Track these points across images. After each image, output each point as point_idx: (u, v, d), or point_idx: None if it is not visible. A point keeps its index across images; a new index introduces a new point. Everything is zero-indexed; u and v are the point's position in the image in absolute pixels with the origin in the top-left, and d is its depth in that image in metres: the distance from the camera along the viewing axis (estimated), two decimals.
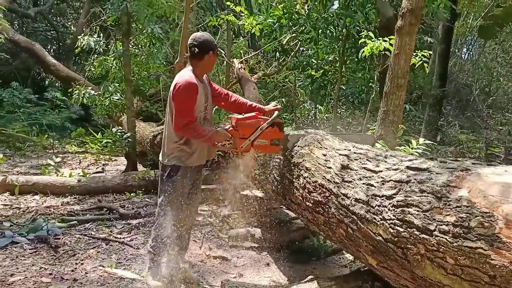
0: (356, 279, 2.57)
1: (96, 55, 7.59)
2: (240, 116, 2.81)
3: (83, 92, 7.10)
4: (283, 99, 10.08)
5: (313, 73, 8.47)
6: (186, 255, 3.43)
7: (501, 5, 13.58)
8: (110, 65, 7.50)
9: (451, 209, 1.53)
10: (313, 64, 8.76)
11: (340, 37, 7.62)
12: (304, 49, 9.34)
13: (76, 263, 3.17)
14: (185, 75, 2.67)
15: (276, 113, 2.84)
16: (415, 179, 1.78)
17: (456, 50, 21.29)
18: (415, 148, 3.85)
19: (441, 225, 1.54)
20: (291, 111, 10.28)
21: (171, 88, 2.67)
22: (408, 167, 1.90)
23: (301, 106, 10.58)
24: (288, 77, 10.52)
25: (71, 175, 6.47)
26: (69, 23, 19.76)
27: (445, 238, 1.51)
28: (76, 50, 7.38)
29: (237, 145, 2.75)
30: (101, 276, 2.93)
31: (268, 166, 3.34)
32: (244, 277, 3.25)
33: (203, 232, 4.11)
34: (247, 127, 2.74)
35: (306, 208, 2.65)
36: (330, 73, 8.86)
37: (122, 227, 4.13)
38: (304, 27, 8.01)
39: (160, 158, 2.86)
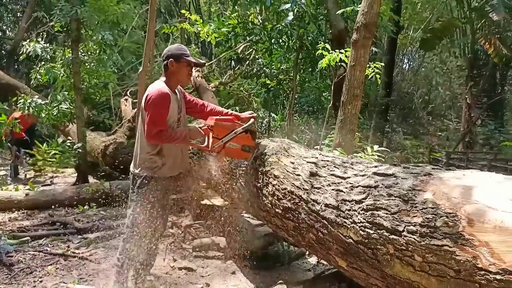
0: (323, 282, 2.68)
1: (42, 62, 7.21)
2: (218, 117, 2.82)
3: (28, 101, 6.74)
4: (237, 108, 10.17)
5: (268, 82, 8.65)
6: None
7: (440, 19, 14.73)
8: (58, 72, 7.16)
9: (417, 211, 1.66)
10: (268, 73, 8.95)
11: (294, 47, 7.86)
12: (259, 58, 9.50)
13: (35, 281, 3.00)
14: (157, 85, 2.66)
15: (251, 120, 2.89)
16: (382, 184, 1.90)
17: (399, 61, 22.69)
18: (370, 155, 4.07)
19: (409, 225, 1.66)
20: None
21: (143, 98, 2.64)
22: (375, 173, 2.02)
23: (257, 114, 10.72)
24: (243, 86, 10.64)
25: (18, 189, 6.09)
26: (6, 28, 18.63)
27: (413, 238, 1.63)
28: (21, 57, 6.96)
29: (209, 144, 2.74)
30: None
31: (235, 175, 3.37)
32: (211, 287, 3.24)
33: (165, 244, 4.04)
34: (222, 128, 2.75)
35: (275, 215, 2.71)
36: (284, 82, 9.10)
37: (80, 242, 3.96)
38: (258, 36, 8.17)
39: (131, 169, 2.80)
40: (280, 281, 2.73)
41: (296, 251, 3.84)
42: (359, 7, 4.25)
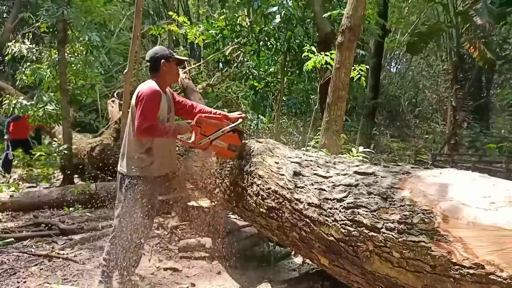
0: (308, 280, 2.70)
1: (28, 63, 7.14)
2: (206, 114, 2.85)
3: (14, 102, 6.65)
4: (225, 110, 10.17)
5: (255, 84, 8.68)
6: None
7: (426, 23, 14.96)
8: (44, 73, 7.10)
9: (395, 208, 1.70)
10: (256, 75, 8.99)
11: (281, 50, 7.91)
12: (247, 60, 9.54)
13: (18, 282, 2.97)
14: (149, 84, 2.72)
15: (240, 120, 2.93)
16: (363, 182, 1.94)
17: (386, 64, 22.96)
18: (355, 156, 4.12)
19: (387, 223, 1.70)
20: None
21: (134, 96, 2.68)
22: (356, 172, 2.06)
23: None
24: (231, 88, 10.66)
25: (2, 190, 6.01)
26: None
27: (391, 234, 1.67)
28: (7, 58, 6.88)
29: (196, 140, 2.76)
30: None
31: (220, 175, 3.39)
32: (196, 287, 3.25)
33: (151, 245, 4.03)
34: (210, 126, 2.78)
35: (259, 214, 2.73)
36: (272, 84, 9.14)
37: (65, 243, 3.93)
38: (246, 39, 8.21)
39: (119, 169, 2.80)
40: (265, 280, 2.75)
41: (282, 251, 3.87)
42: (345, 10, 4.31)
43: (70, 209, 5.40)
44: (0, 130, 11.04)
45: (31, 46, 6.93)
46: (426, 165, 9.80)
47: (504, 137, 12.60)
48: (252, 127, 10.74)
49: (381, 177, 1.89)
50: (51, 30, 7.04)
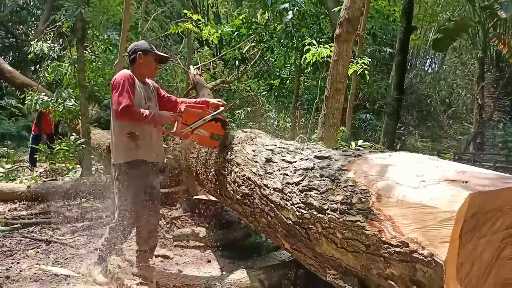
0: (283, 268, 2.72)
1: (50, 61, 7.49)
2: (188, 103, 2.92)
3: (35, 97, 7.00)
4: (249, 108, 10.23)
5: (272, 82, 8.72)
6: (127, 254, 3.49)
7: (452, 20, 14.45)
8: (65, 71, 7.42)
9: (340, 189, 1.69)
10: (272, 72, 9.02)
11: (296, 46, 7.89)
12: (263, 58, 9.58)
13: (12, 263, 3.14)
14: (122, 71, 2.82)
15: (221, 108, 2.96)
16: (318, 166, 1.94)
17: (417, 63, 22.30)
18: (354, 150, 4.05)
19: (332, 204, 1.69)
20: (257, 121, 10.41)
21: (111, 83, 2.77)
22: (315, 156, 2.06)
23: (266, 115, 10.76)
24: (250, 85, 10.71)
25: (22, 181, 6.34)
26: (30, 31, 19.31)
27: (334, 215, 1.66)
28: (29, 56, 7.25)
29: (178, 130, 2.81)
30: (35, 273, 2.92)
31: (208, 165, 3.45)
32: (184, 273, 3.31)
33: None
34: (191, 115, 2.83)
35: (236, 201, 2.76)
36: (288, 81, 9.13)
37: (67, 230, 4.11)
38: (262, 35, 8.25)
39: (112, 161, 2.89)
40: (241, 267, 2.78)
41: (274, 242, 3.87)
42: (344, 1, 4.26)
43: (82, 199, 5.62)
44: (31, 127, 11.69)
45: (52, 44, 7.25)
46: None
47: None
48: (274, 125, 10.75)
49: (335, 160, 1.89)
50: (72, 29, 7.35)
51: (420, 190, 1.36)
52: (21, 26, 18.51)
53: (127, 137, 2.80)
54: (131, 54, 2.86)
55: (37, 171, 8.33)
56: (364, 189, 1.56)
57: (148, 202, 2.92)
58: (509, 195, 1.26)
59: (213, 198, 5.00)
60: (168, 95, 3.19)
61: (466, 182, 1.27)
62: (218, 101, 3.04)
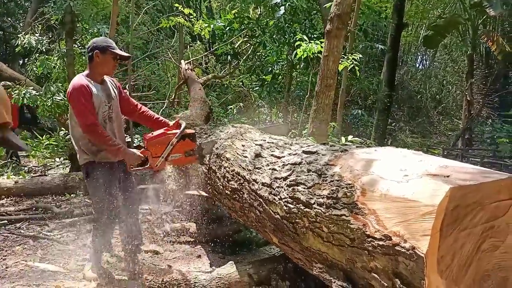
0: (272, 262, 2.74)
1: (38, 55, 7.40)
2: (149, 136, 2.77)
3: (23, 92, 6.90)
4: (241, 104, 10.22)
5: (264, 77, 8.71)
6: (116, 249, 3.47)
7: (442, 16, 14.55)
8: (54, 64, 7.34)
9: (326, 183, 1.71)
10: (264, 68, 9.01)
11: (288, 42, 7.89)
12: (255, 53, 9.56)
13: None
14: (75, 79, 2.67)
15: (183, 125, 2.80)
16: (305, 160, 1.95)
17: (409, 59, 22.43)
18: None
19: (319, 198, 1.71)
20: (249, 116, 10.39)
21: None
22: (303, 151, 2.07)
23: (258, 110, 10.75)
24: (242, 81, 10.68)
25: (9, 177, 6.27)
26: (18, 23, 19.01)
27: (321, 210, 1.68)
28: (17, 49, 7.15)
29: (152, 164, 2.71)
30: (22, 270, 2.91)
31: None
32: (173, 268, 3.31)
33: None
34: (157, 145, 2.72)
35: (226, 196, 2.77)
36: (280, 76, 9.14)
37: (55, 226, 4.08)
38: (254, 30, 8.23)
39: (79, 162, 2.81)
40: (230, 262, 2.79)
41: (263, 237, 3.89)
42: None
43: (71, 195, 5.58)
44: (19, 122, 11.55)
45: (40, 37, 7.16)
46: None
47: None
48: (267, 121, 10.76)
49: (322, 155, 1.91)
50: (61, 22, 7.27)
51: (403, 184, 1.38)
52: (9, 19, 18.21)
53: (89, 140, 2.68)
54: (89, 52, 2.69)
55: (24, 166, 8.25)
56: (349, 184, 1.58)
57: (121, 200, 2.85)
58: (489, 189, 1.29)
59: (204, 193, 5.02)
60: (129, 97, 3.06)
61: (448, 176, 1.30)
62: (175, 121, 2.89)
